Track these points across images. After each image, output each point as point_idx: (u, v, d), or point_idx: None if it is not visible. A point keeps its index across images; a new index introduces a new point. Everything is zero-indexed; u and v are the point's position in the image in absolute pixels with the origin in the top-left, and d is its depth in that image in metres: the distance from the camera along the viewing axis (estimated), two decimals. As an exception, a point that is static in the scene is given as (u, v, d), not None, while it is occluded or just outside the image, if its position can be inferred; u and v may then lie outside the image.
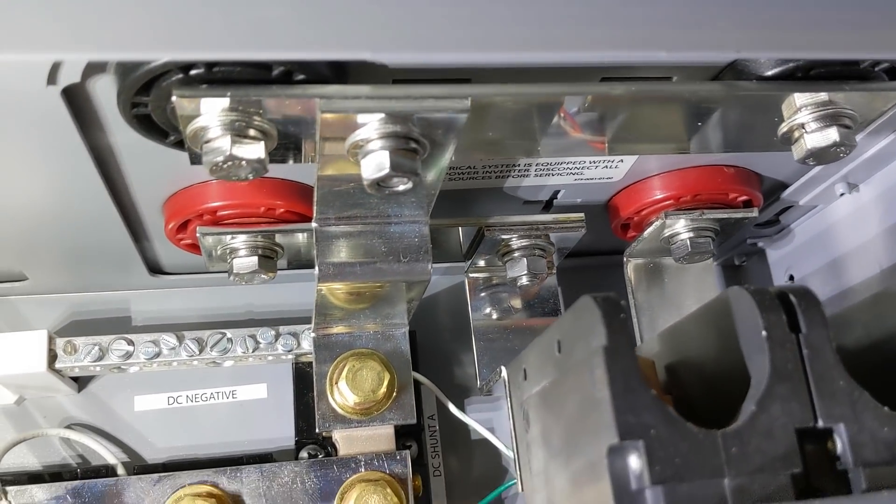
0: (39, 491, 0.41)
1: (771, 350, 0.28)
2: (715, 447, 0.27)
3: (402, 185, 0.33)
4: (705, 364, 0.33)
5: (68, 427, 0.48)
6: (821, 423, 0.28)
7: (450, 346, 0.54)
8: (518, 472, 0.40)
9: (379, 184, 0.32)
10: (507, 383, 0.41)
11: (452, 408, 0.49)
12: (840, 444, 0.28)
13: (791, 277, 0.55)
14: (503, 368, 0.42)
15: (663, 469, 0.26)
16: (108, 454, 0.46)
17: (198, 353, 0.46)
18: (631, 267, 0.51)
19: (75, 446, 0.48)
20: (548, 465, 0.34)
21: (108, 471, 0.46)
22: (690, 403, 0.34)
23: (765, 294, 0.29)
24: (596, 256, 0.56)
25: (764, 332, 0.29)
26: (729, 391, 0.30)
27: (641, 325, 0.50)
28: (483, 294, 0.50)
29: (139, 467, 0.47)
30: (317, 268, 0.39)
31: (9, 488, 0.41)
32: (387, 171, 0.32)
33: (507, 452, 0.49)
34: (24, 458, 0.47)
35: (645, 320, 0.50)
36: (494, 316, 0.50)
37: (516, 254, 0.46)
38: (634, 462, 0.27)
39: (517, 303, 0.50)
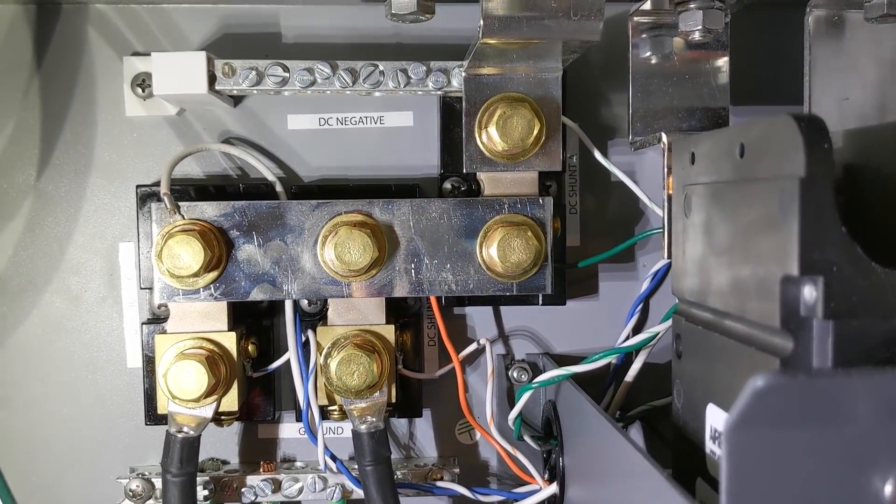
0: (209, 208, 0.44)
1: (980, 192, 0.27)
2: (895, 288, 0.27)
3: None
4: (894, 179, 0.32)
5: (227, 141, 0.50)
6: None
7: (599, 85, 0.52)
8: (665, 240, 0.41)
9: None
10: (666, 153, 0.40)
11: (597, 154, 0.49)
12: None
13: None
14: (664, 135, 0.41)
15: (838, 305, 0.26)
16: (265, 170, 0.49)
17: (351, 84, 0.46)
18: (812, 17, 0.46)
19: (234, 160, 0.50)
20: (706, 258, 0.34)
21: (267, 187, 0.49)
22: (863, 211, 0.33)
23: None
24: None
25: (977, 172, 0.27)
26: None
27: (812, 84, 0.46)
28: (645, 36, 0.47)
29: (296, 187, 0.49)
30: (481, 21, 0.37)
31: (181, 203, 0.44)
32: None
33: (648, 202, 0.49)
34: (189, 168, 0.50)
35: (816, 80, 0.46)
36: (654, 61, 0.47)
37: (692, 5, 0.42)
38: (809, 293, 0.27)
39: (682, 52, 0.47)
